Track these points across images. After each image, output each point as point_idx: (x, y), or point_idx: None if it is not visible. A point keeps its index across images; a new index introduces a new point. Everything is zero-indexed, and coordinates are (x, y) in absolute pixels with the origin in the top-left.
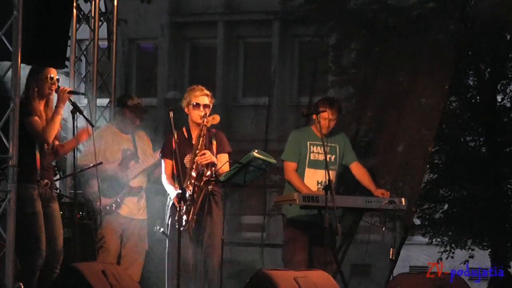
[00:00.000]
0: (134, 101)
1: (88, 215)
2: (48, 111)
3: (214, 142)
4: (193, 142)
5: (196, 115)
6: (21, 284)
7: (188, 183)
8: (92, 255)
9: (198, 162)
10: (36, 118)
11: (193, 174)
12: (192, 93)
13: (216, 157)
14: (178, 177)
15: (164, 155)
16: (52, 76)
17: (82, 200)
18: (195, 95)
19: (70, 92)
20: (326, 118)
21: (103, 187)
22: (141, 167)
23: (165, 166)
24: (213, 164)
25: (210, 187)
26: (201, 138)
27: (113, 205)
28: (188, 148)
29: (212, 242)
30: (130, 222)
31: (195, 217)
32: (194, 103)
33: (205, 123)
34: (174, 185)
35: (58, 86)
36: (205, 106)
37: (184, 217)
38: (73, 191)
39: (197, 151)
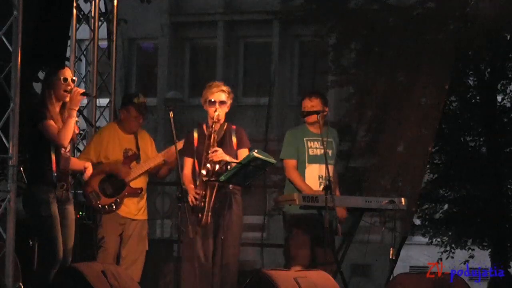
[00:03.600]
0: (141, 100)
1: (88, 215)
2: (65, 113)
3: (234, 139)
4: (210, 129)
5: (212, 112)
6: (21, 284)
7: (198, 182)
8: (91, 255)
9: (210, 159)
10: (51, 121)
11: (203, 172)
12: (209, 90)
13: (236, 152)
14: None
15: (184, 154)
16: (66, 77)
17: (82, 200)
18: (211, 92)
19: (83, 94)
20: (306, 106)
21: (103, 187)
22: (143, 168)
23: (185, 165)
24: (225, 162)
25: (230, 186)
26: (212, 136)
27: (113, 205)
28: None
29: (229, 242)
30: (130, 223)
31: (209, 213)
32: (210, 100)
33: (215, 119)
34: (193, 184)
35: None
36: (221, 103)
37: (199, 215)
38: (73, 191)
39: (209, 148)
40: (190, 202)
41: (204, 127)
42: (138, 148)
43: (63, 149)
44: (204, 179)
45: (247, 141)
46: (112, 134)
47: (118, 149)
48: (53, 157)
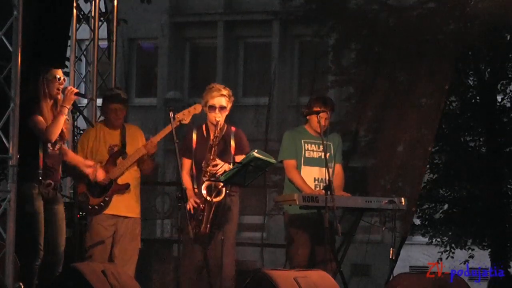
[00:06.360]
0: (114, 92)
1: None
2: (56, 111)
3: (233, 143)
4: (211, 142)
5: (212, 117)
6: (21, 284)
7: (198, 195)
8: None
9: (210, 172)
10: (40, 117)
11: (204, 191)
12: (209, 94)
13: (234, 158)
14: (179, 175)
15: (182, 154)
16: (59, 76)
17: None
18: (211, 96)
19: (77, 94)
20: (321, 117)
21: (90, 187)
22: (127, 164)
23: (184, 165)
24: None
25: (221, 196)
26: (213, 148)
27: (102, 204)
28: (206, 146)
29: (226, 242)
30: (122, 221)
31: (208, 225)
32: (210, 105)
33: (217, 132)
34: (191, 186)
35: (65, 86)
36: (221, 108)
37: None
38: (72, 191)
39: (209, 161)
40: (188, 208)
41: (204, 128)
42: (123, 144)
43: (51, 147)
44: (206, 196)
45: (247, 146)
46: (97, 133)
47: (103, 147)
48: (40, 153)
